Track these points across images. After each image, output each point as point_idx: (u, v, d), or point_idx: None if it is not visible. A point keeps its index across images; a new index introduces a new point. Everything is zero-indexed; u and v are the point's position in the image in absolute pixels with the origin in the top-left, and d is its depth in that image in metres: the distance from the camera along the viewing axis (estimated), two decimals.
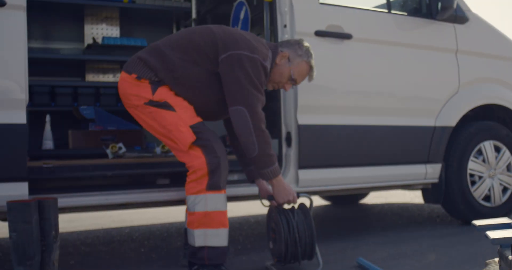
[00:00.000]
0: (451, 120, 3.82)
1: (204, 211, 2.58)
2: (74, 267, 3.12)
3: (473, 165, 3.91)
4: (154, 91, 2.67)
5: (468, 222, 4.01)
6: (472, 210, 3.89)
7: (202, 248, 2.61)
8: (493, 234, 1.42)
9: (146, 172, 3.24)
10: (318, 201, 5.96)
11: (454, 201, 3.87)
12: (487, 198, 3.98)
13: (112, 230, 4.47)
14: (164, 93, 2.68)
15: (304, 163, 3.32)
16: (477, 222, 1.57)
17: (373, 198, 6.04)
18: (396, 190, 5.86)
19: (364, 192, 5.36)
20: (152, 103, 2.67)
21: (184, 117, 2.66)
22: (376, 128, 3.57)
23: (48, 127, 3.58)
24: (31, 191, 2.75)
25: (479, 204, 3.92)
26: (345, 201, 5.61)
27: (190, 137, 2.61)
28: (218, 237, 2.61)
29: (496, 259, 1.56)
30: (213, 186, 2.59)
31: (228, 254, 2.72)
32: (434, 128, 3.76)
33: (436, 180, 3.81)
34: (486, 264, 1.57)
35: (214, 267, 2.61)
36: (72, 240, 4.02)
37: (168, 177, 3.26)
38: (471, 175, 3.92)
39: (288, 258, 2.77)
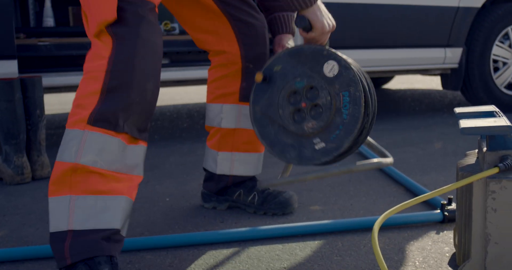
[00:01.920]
0: (477, 0, 3.49)
1: (74, 162, 1.29)
2: None
3: (498, 50, 3.62)
4: None
5: None
6: (493, 98, 3.67)
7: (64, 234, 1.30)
8: (465, 123, 1.26)
9: None
10: None
11: (474, 88, 3.65)
12: (510, 86, 3.74)
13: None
14: None
15: None
16: (458, 109, 1.41)
17: (397, 84, 5.83)
18: (424, 76, 5.62)
19: (379, 76, 5.10)
20: None
21: None
22: (393, 7, 3.28)
23: (48, 3, 3.43)
24: (25, 69, 2.68)
25: (501, 92, 3.69)
26: None
27: (108, 13, 1.31)
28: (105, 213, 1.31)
29: (476, 151, 1.41)
30: (104, 118, 1.29)
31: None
32: (458, 8, 3.44)
33: (455, 65, 3.56)
34: (466, 156, 1.42)
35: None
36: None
37: (168, 56, 3.12)
38: (495, 61, 3.65)
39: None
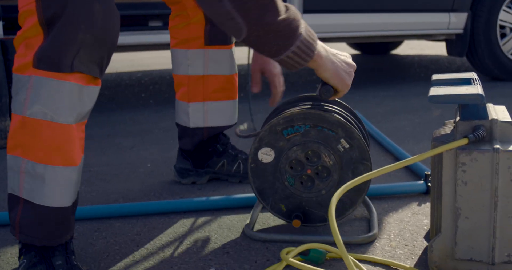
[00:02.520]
0: None
1: (21, 114, 1.13)
2: None
3: (505, 16, 3.47)
4: None
5: (495, 78, 3.69)
6: (499, 65, 3.54)
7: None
8: (435, 91, 1.18)
9: (137, 13, 3.02)
10: (346, 50, 5.65)
11: (479, 55, 3.52)
12: None
13: (125, 74, 4.41)
14: None
15: (309, 7, 3.01)
16: (435, 76, 1.32)
17: (407, 49, 5.68)
18: (435, 42, 5.46)
19: (384, 41, 4.95)
20: None
21: None
22: None
23: None
24: (10, 31, 2.62)
25: (508, 59, 3.56)
26: (375, 51, 5.27)
27: None
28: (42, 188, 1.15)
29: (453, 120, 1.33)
30: (47, 58, 1.10)
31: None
32: None
33: (460, 31, 3.43)
34: (444, 125, 1.35)
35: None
36: None
37: (161, 19, 3.03)
38: (502, 27, 3.50)
39: None
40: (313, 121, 1.34)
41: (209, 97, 1.76)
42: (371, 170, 1.33)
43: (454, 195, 1.17)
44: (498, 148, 1.13)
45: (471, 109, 1.18)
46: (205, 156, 1.82)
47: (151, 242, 1.44)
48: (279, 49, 1.12)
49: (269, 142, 1.37)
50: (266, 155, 1.37)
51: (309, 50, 1.15)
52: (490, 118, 1.18)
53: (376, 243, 1.39)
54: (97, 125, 2.75)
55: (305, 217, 1.38)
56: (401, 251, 1.34)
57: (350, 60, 1.31)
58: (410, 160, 1.16)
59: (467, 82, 1.24)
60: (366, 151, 1.34)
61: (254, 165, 1.40)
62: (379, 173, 1.17)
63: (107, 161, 2.14)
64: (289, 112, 1.36)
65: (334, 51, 1.27)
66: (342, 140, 1.33)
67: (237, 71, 1.81)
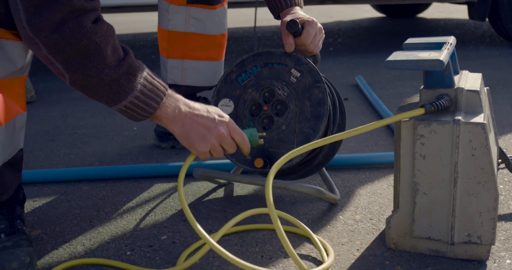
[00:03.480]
0: None
1: None
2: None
3: None
4: None
5: None
6: None
7: None
8: (395, 56, 1.07)
9: None
10: (371, 13, 5.44)
11: (502, 19, 3.30)
12: None
13: (141, 35, 4.34)
14: None
15: None
16: (409, 40, 1.21)
17: (435, 12, 5.41)
18: (459, 5, 5.18)
19: (411, 3, 4.72)
20: None
21: None
22: None
23: None
24: None
25: None
26: (401, 14, 5.05)
27: None
28: None
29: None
30: None
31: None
32: None
33: None
34: (419, 93, 1.24)
35: None
36: None
37: None
38: None
39: None
40: (263, 60, 1.31)
41: (188, 55, 1.68)
42: (325, 91, 1.26)
43: (412, 169, 1.08)
44: (459, 120, 1.02)
45: (435, 77, 1.07)
46: None
47: (113, 207, 1.39)
48: (109, 102, 0.99)
49: (227, 93, 1.33)
50: (226, 107, 1.31)
51: (147, 106, 1.00)
52: (455, 86, 1.07)
53: (340, 216, 1.31)
54: None
55: (270, 162, 1.29)
56: (363, 225, 1.26)
57: (217, 125, 1.06)
58: (359, 129, 1.06)
59: (438, 47, 1.12)
60: (317, 73, 1.27)
61: None
62: (325, 141, 1.07)
63: (95, 124, 2.10)
64: (240, 59, 1.35)
65: (206, 108, 1.07)
66: (292, 70, 1.28)
67: (225, 32, 1.72)
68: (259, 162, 1.27)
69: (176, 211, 1.36)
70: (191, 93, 1.73)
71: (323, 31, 1.37)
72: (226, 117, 1.09)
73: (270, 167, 1.27)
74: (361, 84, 2.48)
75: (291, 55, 1.30)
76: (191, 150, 1.08)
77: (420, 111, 1.03)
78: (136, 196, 1.45)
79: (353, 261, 1.11)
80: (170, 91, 1.04)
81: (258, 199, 1.41)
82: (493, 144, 1.15)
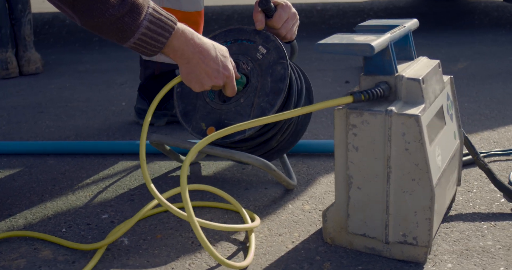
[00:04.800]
0: None
1: None
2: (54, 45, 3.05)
3: None
4: None
5: None
6: None
7: None
8: (330, 39, 0.97)
9: None
10: None
11: None
12: None
13: None
14: None
15: None
16: (368, 22, 1.11)
17: None
18: None
19: None
20: None
21: None
22: None
23: None
24: None
25: None
26: None
27: None
28: None
29: None
30: None
31: None
32: None
33: None
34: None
35: None
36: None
37: None
38: None
39: None
40: (233, 36, 1.28)
41: None
42: (287, 68, 1.20)
43: (346, 161, 0.99)
44: (391, 111, 0.92)
45: (375, 62, 0.97)
46: (162, 98, 1.71)
47: (69, 183, 1.37)
48: (119, 40, 1.00)
49: None
50: None
51: (156, 41, 1.00)
52: (396, 74, 0.97)
53: (290, 204, 1.24)
54: (98, 59, 2.69)
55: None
56: (310, 216, 1.18)
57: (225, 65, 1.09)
58: (286, 113, 0.98)
59: (389, 29, 1.02)
60: (282, 50, 1.22)
61: (179, 89, 1.31)
62: (253, 123, 0.99)
63: (88, 97, 2.08)
64: (211, 34, 1.30)
65: (216, 51, 1.08)
66: (260, 47, 1.24)
67: (201, 10, 1.65)
68: (211, 130, 1.22)
69: (128, 190, 1.32)
70: (166, 70, 1.67)
71: (298, 16, 1.31)
72: (230, 72, 1.11)
73: (224, 138, 1.22)
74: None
75: (261, 33, 1.26)
76: (188, 86, 1.10)
77: (348, 99, 0.94)
78: (96, 173, 1.42)
79: (282, 254, 1.04)
80: (179, 26, 1.03)
81: (224, 179, 1.36)
82: (444, 139, 1.05)
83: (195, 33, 1.06)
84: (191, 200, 1.25)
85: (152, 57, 1.67)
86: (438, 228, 1.11)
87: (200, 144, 0.99)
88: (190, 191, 1.29)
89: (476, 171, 1.38)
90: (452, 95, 1.14)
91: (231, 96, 1.16)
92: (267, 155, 1.31)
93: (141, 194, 1.30)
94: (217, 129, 1.24)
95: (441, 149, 1.02)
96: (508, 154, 1.48)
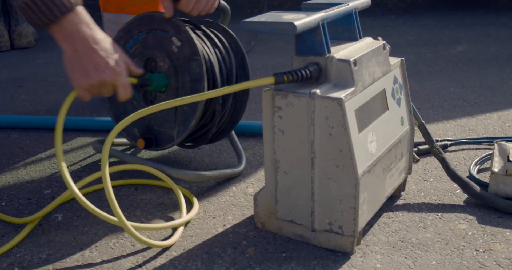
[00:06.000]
0: None
1: None
2: None
3: None
4: None
5: None
6: None
7: None
8: (258, 17, 0.92)
9: None
10: None
11: None
12: None
13: None
14: None
15: None
16: (312, 0, 1.04)
17: None
18: None
19: None
20: None
21: None
22: None
23: None
24: None
25: None
26: None
27: None
28: None
29: None
30: None
31: None
32: None
33: None
34: None
35: None
36: None
37: None
38: None
39: None
40: (146, 25, 1.16)
41: (123, 9, 1.55)
42: (202, 67, 1.08)
43: (273, 144, 0.94)
44: (315, 93, 0.87)
45: (306, 43, 0.91)
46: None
47: (25, 157, 1.36)
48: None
49: None
50: None
51: (43, 14, 0.89)
52: (327, 55, 0.91)
53: (234, 187, 1.20)
54: None
55: (157, 140, 1.18)
56: (250, 199, 1.14)
57: (109, 66, 0.95)
58: (199, 95, 0.93)
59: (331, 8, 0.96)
60: (193, 43, 1.09)
61: None
62: (159, 107, 0.94)
63: None
64: (126, 23, 1.20)
65: (111, 48, 0.95)
66: (173, 38, 1.12)
67: None
68: (140, 143, 1.16)
69: (79, 167, 1.30)
70: None
71: None
72: (122, 69, 0.96)
73: (156, 147, 1.17)
74: None
75: (170, 21, 1.13)
76: (70, 77, 0.96)
77: (270, 80, 0.88)
78: (50, 148, 1.40)
79: (209, 237, 1.01)
80: (79, 10, 0.93)
81: (177, 159, 1.32)
82: (385, 125, 0.99)
83: (94, 24, 0.95)
84: (134, 178, 1.22)
85: (111, 35, 1.59)
86: (377, 218, 1.05)
87: (107, 143, 0.93)
88: (135, 171, 1.26)
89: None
90: (402, 78, 1.07)
91: (124, 99, 0.99)
92: (212, 139, 1.26)
93: (91, 171, 1.27)
94: (144, 135, 1.18)
95: (378, 135, 0.96)
96: (478, 143, 1.41)
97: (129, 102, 1.20)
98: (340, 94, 0.86)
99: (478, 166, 1.25)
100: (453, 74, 2.02)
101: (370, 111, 0.94)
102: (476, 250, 0.96)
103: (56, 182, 1.22)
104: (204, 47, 1.12)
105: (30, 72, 2.09)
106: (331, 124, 0.87)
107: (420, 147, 1.34)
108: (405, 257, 0.94)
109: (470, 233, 1.01)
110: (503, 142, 1.20)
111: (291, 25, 0.84)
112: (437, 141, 1.39)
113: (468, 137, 1.44)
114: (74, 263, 0.93)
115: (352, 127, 0.87)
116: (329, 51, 0.91)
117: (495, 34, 2.66)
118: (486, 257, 0.94)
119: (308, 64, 0.91)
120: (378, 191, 0.99)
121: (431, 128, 1.52)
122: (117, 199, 1.14)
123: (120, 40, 1.20)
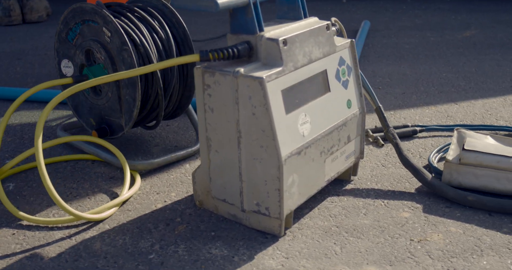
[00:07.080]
0: None
1: None
2: None
3: None
4: None
5: None
6: None
7: None
8: None
9: None
10: None
11: None
12: None
13: None
14: None
15: None
16: None
17: None
18: None
19: None
20: None
21: None
22: None
23: None
24: None
25: None
26: None
27: None
28: None
29: None
30: None
31: None
32: None
33: None
34: None
35: None
36: None
37: None
38: None
39: None
40: (79, 16, 1.14)
41: None
42: (133, 57, 1.06)
43: (204, 122, 0.92)
44: (238, 72, 0.84)
45: (239, 21, 0.88)
46: None
47: None
48: None
49: (64, 54, 1.19)
50: (67, 68, 1.19)
51: None
52: (258, 33, 0.87)
53: (187, 165, 1.18)
54: None
55: (110, 129, 1.19)
56: None
57: None
58: (89, 82, 0.91)
59: None
60: (121, 33, 1.07)
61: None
62: (56, 99, 0.92)
63: None
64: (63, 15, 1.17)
65: None
66: (104, 29, 1.09)
67: None
68: (94, 134, 1.17)
69: (13, 138, 1.31)
70: None
71: None
72: None
73: (111, 135, 1.18)
74: (362, 30, 2.21)
75: (97, 11, 1.10)
76: None
77: (195, 57, 0.86)
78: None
79: (146, 212, 1.00)
80: None
81: (141, 135, 1.32)
82: (324, 107, 0.95)
83: None
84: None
85: None
86: (320, 201, 1.02)
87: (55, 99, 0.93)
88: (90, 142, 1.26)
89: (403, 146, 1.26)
90: (352, 60, 1.03)
91: None
92: (169, 116, 1.24)
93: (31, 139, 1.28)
94: (100, 125, 1.19)
95: (314, 117, 0.92)
96: (451, 130, 1.34)
97: (81, 93, 1.21)
98: (264, 74, 0.83)
99: (441, 154, 1.20)
100: (451, 59, 1.94)
101: (304, 92, 0.91)
102: (410, 240, 0.92)
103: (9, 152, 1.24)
104: (137, 34, 1.08)
105: (33, 45, 2.12)
106: (254, 104, 0.84)
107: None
108: (334, 243, 0.91)
109: (410, 221, 0.97)
110: (463, 130, 1.14)
111: (213, 2, 0.81)
112: (408, 126, 1.34)
113: (443, 124, 1.38)
114: (10, 231, 0.95)
115: (277, 107, 0.84)
116: (261, 30, 0.88)
117: (507, 20, 2.54)
118: (419, 247, 0.90)
119: (239, 43, 0.88)
120: (314, 175, 0.95)
121: (409, 113, 1.46)
122: (71, 171, 1.15)
123: (62, 32, 1.19)
